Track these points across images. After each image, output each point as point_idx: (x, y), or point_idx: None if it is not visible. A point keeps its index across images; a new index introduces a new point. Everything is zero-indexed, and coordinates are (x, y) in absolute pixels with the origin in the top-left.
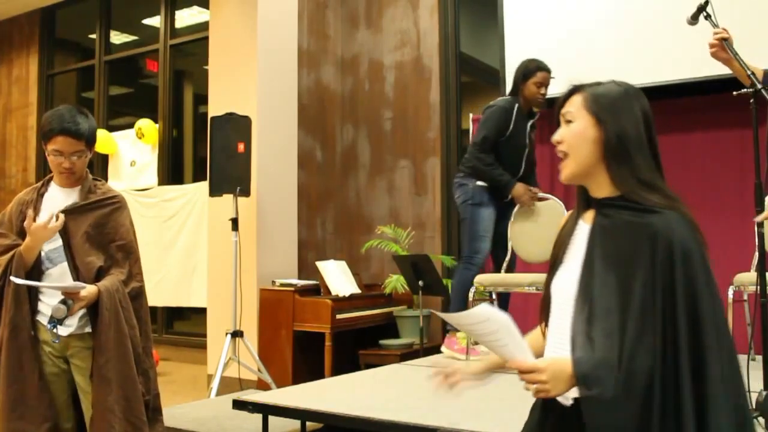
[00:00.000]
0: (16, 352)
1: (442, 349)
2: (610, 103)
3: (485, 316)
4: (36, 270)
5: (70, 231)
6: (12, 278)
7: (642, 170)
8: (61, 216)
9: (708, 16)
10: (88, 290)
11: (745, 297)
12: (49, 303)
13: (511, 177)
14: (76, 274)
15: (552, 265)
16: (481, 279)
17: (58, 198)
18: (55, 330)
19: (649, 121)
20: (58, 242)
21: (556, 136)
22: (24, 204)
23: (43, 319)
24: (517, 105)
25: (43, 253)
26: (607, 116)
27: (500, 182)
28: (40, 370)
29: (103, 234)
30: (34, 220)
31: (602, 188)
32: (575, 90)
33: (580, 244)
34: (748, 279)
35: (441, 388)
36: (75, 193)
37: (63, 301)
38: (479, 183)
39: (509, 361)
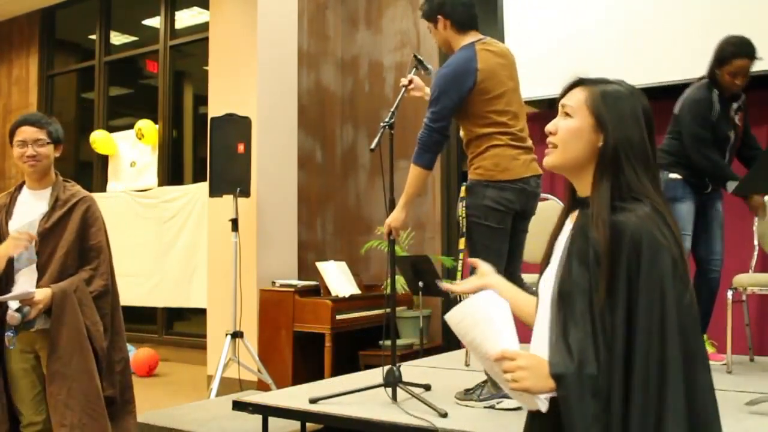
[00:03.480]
0: None
1: None
2: (615, 109)
3: (478, 303)
4: (8, 271)
5: (43, 250)
6: None
7: (629, 179)
8: (34, 238)
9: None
10: (43, 294)
11: (744, 298)
12: (13, 307)
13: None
14: (40, 277)
15: (542, 264)
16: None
17: (28, 202)
18: (13, 337)
19: (652, 125)
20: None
21: (551, 126)
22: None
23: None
24: (715, 90)
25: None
26: (610, 123)
27: (724, 177)
28: (2, 372)
29: (77, 240)
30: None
31: (586, 187)
32: (579, 83)
33: (561, 244)
34: (746, 280)
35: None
36: (45, 196)
37: (18, 309)
38: (672, 175)
39: (494, 350)
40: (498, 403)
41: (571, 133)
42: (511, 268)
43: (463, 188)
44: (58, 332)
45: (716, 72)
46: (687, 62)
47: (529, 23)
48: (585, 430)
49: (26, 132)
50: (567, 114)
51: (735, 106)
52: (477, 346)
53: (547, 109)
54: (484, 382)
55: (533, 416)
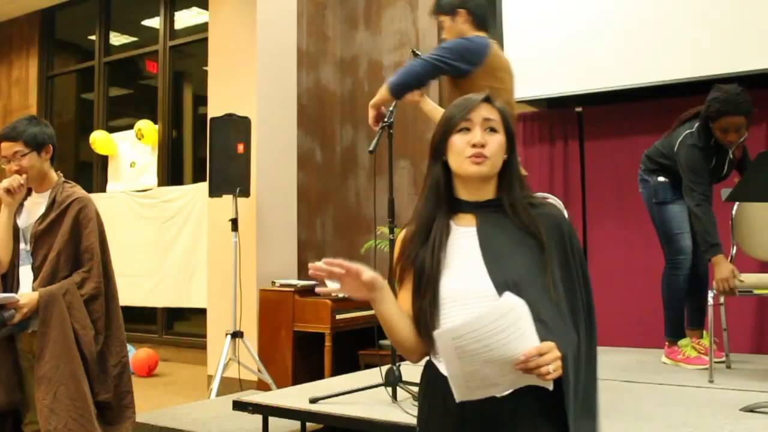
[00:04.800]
0: None
1: (663, 360)
2: (514, 126)
3: (509, 305)
4: (12, 270)
5: (37, 252)
6: None
7: (523, 185)
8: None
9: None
10: (29, 297)
11: (721, 300)
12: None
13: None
14: (34, 279)
15: (427, 273)
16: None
17: (32, 204)
18: None
19: None
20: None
21: (481, 139)
22: None
23: None
24: (713, 139)
25: (21, 247)
26: (514, 138)
27: (707, 242)
28: (14, 357)
29: (70, 241)
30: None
31: (487, 192)
32: (489, 100)
33: (465, 246)
34: None
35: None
36: (44, 199)
37: (1, 312)
38: (660, 179)
39: (527, 350)
40: None
41: (501, 147)
42: None
43: None
44: (45, 336)
45: (708, 124)
46: (686, 61)
47: (527, 23)
48: (576, 389)
49: (3, 148)
50: (493, 129)
51: (732, 149)
52: (496, 349)
53: (545, 108)
54: None
55: (462, 419)
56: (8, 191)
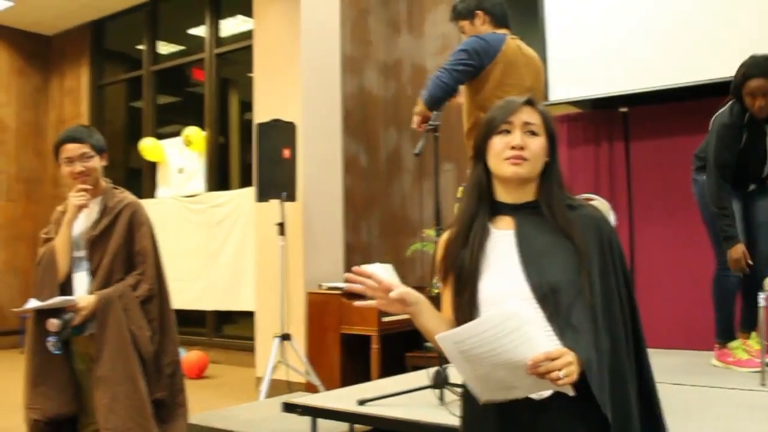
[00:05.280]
0: (42, 334)
1: (714, 362)
2: (555, 129)
3: (511, 311)
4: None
5: (93, 257)
6: (29, 303)
7: (563, 186)
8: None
9: None
10: (87, 300)
11: None
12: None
13: (737, 232)
14: (90, 281)
15: (466, 274)
16: None
17: (83, 211)
18: (56, 342)
19: None
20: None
21: (520, 142)
22: (61, 214)
23: None
24: (747, 114)
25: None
26: (556, 141)
27: (723, 233)
28: (71, 363)
29: (123, 245)
30: None
31: (526, 195)
32: (531, 103)
33: (504, 249)
34: None
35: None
36: (96, 205)
37: (59, 315)
38: None
39: (535, 355)
40: None
41: (542, 150)
42: None
43: (460, 189)
44: (103, 338)
45: (739, 94)
46: (733, 60)
47: (570, 23)
48: (615, 395)
49: (70, 149)
50: (533, 132)
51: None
52: (501, 354)
53: (590, 108)
54: None
55: (504, 412)
56: (80, 207)
